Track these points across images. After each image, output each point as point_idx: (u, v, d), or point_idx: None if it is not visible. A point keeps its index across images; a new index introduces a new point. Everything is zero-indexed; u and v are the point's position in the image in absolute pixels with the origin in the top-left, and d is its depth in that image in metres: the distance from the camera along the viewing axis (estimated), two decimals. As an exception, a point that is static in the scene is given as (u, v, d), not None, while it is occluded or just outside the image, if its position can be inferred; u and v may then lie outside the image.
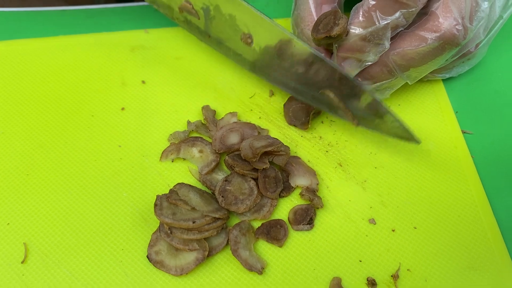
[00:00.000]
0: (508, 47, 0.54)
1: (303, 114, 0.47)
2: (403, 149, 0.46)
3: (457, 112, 0.49)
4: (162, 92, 0.50)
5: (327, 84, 0.43)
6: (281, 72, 0.46)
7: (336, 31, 0.41)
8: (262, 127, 0.47)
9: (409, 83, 0.45)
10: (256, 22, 0.44)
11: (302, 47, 0.43)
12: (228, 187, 0.42)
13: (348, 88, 0.43)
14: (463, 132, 0.47)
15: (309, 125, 0.47)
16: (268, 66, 0.47)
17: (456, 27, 0.40)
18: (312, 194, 0.42)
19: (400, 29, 0.42)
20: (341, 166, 0.45)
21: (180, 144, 0.46)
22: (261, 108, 0.49)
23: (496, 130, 0.48)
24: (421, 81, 0.50)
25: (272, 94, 0.50)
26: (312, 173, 0.44)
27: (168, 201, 0.39)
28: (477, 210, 0.42)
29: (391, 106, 0.49)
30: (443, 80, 0.51)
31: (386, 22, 0.40)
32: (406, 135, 0.43)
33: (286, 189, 0.43)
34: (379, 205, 0.43)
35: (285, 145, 0.43)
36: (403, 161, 0.45)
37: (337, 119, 0.48)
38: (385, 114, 0.42)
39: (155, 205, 0.39)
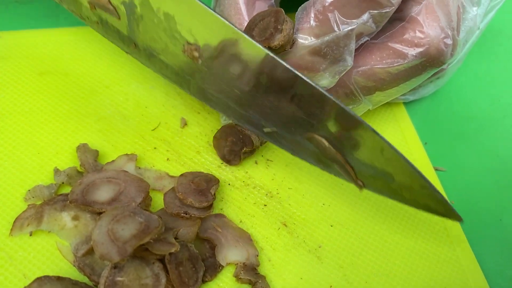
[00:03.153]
0: (476, 61, 0.45)
1: (245, 143, 0.33)
2: (365, 196, 0.34)
3: (426, 143, 0.38)
4: (16, 125, 0.33)
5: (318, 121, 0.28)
6: (244, 101, 0.30)
7: (278, 40, 0.28)
8: (169, 174, 0.33)
9: (370, 109, 0.34)
10: (206, 26, 0.28)
11: (283, 67, 0.27)
12: (119, 278, 0.27)
13: (343, 123, 0.27)
14: (436, 169, 0.37)
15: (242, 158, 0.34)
16: (220, 91, 0.30)
17: (445, 40, 0.29)
18: (253, 274, 0.28)
19: (365, 39, 0.30)
20: (285, 226, 0.32)
21: (42, 207, 0.29)
22: (169, 145, 0.35)
23: (470, 163, 0.38)
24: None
25: (185, 123, 0.36)
26: (247, 239, 0.30)
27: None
28: (466, 277, 0.32)
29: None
30: (404, 103, 0.40)
31: (349, 28, 0.28)
32: (442, 209, 0.28)
33: (211, 268, 0.29)
34: (342, 281, 0.30)
35: (196, 209, 0.30)
36: (368, 214, 0.33)
37: (274, 158, 0.35)
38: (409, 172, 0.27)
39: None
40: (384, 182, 0.28)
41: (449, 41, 0.29)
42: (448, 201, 0.27)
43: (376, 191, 0.29)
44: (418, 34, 0.29)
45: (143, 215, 0.27)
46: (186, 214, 0.29)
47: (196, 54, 0.29)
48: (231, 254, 0.29)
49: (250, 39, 0.27)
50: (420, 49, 0.29)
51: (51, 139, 0.33)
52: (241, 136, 0.33)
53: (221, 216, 0.31)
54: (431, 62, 0.30)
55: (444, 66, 0.32)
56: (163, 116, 0.36)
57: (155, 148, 0.34)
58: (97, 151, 0.32)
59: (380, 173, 0.28)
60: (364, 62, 0.31)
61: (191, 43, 0.29)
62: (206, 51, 0.28)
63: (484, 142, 0.40)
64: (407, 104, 0.40)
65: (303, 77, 0.26)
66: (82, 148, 0.32)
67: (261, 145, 0.34)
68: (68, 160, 0.32)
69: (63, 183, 0.31)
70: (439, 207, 0.28)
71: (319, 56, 0.29)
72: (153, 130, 0.35)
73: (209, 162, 0.34)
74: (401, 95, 0.38)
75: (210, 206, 0.30)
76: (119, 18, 0.31)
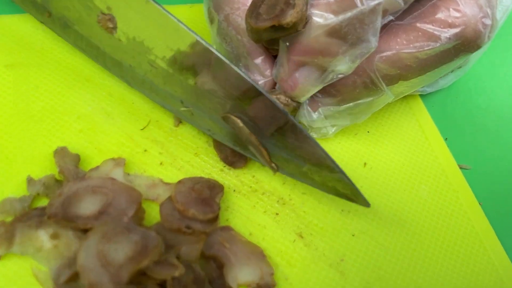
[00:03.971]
0: (492, 51, 0.42)
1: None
2: (387, 198, 0.30)
3: (446, 139, 0.35)
4: (-20, 124, 0.28)
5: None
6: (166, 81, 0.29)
7: (291, 17, 0.24)
8: (164, 180, 0.28)
9: (390, 102, 0.30)
10: None
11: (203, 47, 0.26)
12: (111, 309, 0.22)
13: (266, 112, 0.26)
14: (460, 168, 0.33)
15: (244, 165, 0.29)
16: (139, 67, 0.29)
17: (483, 20, 0.25)
18: (270, 299, 0.24)
19: (389, 18, 0.26)
20: (301, 237, 0.28)
21: (14, 224, 0.24)
22: (162, 146, 0.30)
23: (495, 158, 0.35)
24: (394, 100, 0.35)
25: (179, 121, 0.31)
26: (260, 255, 0.26)
27: None
28: (504, 285, 0.28)
29: (357, 133, 0.33)
30: (420, 95, 0.37)
31: (376, 2, 0.24)
32: (349, 193, 0.27)
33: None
34: (369, 299, 0.26)
35: (200, 222, 0.25)
36: (392, 219, 0.29)
37: (284, 158, 0.31)
38: (321, 159, 0.26)
39: None
40: (297, 165, 0.28)
41: (488, 21, 0.26)
42: (357, 189, 0.26)
43: (288, 174, 0.28)
44: (453, 12, 0.25)
45: (138, 232, 0.23)
46: (188, 228, 0.25)
47: (110, 24, 0.28)
48: (243, 274, 0.25)
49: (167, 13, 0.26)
50: (455, 30, 0.26)
51: (22, 142, 0.28)
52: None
53: (228, 229, 0.27)
54: (467, 45, 0.26)
55: (480, 45, 0.28)
56: (153, 113, 0.31)
57: (145, 150, 0.29)
58: (78, 155, 0.27)
59: (292, 156, 0.27)
60: (388, 46, 0.27)
61: (104, 13, 0.27)
62: (123, 22, 0.27)
63: (506, 136, 0.36)
64: (423, 96, 0.36)
65: (221, 57, 0.26)
66: (61, 152, 0.27)
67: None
68: (44, 167, 0.27)
69: (38, 194, 0.26)
70: (347, 191, 0.27)
71: (338, 37, 0.25)
72: (143, 129, 0.30)
73: (210, 165, 0.30)
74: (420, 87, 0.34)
75: (216, 218, 0.26)
76: None
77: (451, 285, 0.28)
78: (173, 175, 0.29)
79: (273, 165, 0.27)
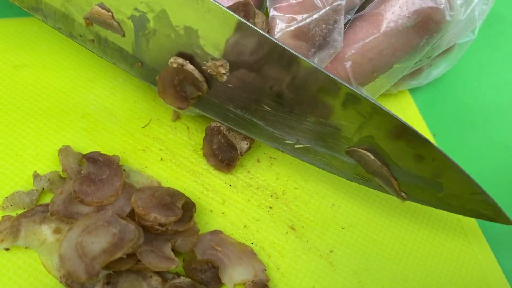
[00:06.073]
0: (478, 49, 0.43)
1: (231, 149, 0.30)
2: (376, 195, 0.32)
3: (434, 135, 0.36)
4: (-10, 123, 0.30)
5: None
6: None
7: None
8: (160, 181, 0.29)
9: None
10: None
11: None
12: (112, 296, 0.24)
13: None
14: (448, 164, 0.34)
15: (234, 166, 0.30)
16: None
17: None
18: (263, 291, 0.26)
19: (347, 18, 0.28)
20: (293, 230, 0.29)
21: (19, 219, 0.26)
22: (162, 144, 0.31)
23: (481, 155, 0.36)
24: (386, 95, 0.36)
25: (177, 117, 0.33)
26: (250, 254, 0.27)
27: None
28: (486, 278, 0.30)
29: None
30: (410, 91, 0.38)
31: (338, 3, 0.25)
32: (491, 213, 0.27)
33: (213, 282, 0.26)
34: (357, 289, 0.28)
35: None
36: (380, 214, 0.31)
37: (278, 156, 0.32)
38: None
39: None
40: (432, 192, 0.26)
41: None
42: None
43: (420, 201, 0.27)
44: None
45: (118, 225, 0.24)
46: (161, 226, 0.25)
47: (221, 70, 0.25)
48: (237, 274, 0.26)
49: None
50: (414, 8, 0.27)
51: (29, 139, 0.30)
52: (223, 142, 0.30)
53: (217, 232, 0.28)
54: (427, 24, 0.27)
55: (443, 26, 0.28)
56: (154, 111, 0.33)
57: (146, 147, 0.31)
58: (81, 154, 0.29)
59: (429, 183, 0.26)
60: (355, 39, 0.27)
61: (215, 58, 0.25)
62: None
63: (493, 132, 0.38)
64: (412, 93, 0.38)
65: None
66: (64, 151, 0.28)
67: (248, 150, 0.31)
68: (50, 163, 0.29)
69: (43, 189, 0.27)
70: (489, 211, 0.26)
71: (305, 39, 0.26)
72: (144, 127, 0.32)
73: (208, 161, 0.31)
74: (414, 80, 0.35)
75: (189, 219, 0.26)
76: (124, 35, 0.27)
77: (435, 276, 0.29)
78: (172, 171, 0.30)
79: (402, 194, 0.27)
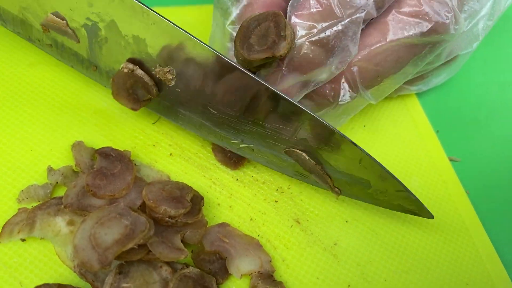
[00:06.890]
0: (484, 48, 0.43)
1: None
2: (380, 189, 0.32)
3: (438, 131, 0.37)
4: (6, 120, 0.31)
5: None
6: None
7: (283, 49, 0.26)
8: (169, 175, 0.30)
9: (373, 103, 0.31)
10: (183, 49, 0.27)
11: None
12: (124, 284, 0.25)
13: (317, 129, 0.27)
14: (450, 160, 0.35)
15: (241, 164, 0.31)
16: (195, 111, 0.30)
17: (445, 12, 0.27)
18: (271, 282, 0.26)
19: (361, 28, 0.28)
20: (298, 223, 0.30)
21: (34, 212, 0.27)
22: (172, 139, 0.32)
23: (484, 151, 0.37)
24: (390, 97, 0.37)
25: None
26: (256, 245, 0.28)
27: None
28: (486, 269, 0.30)
29: (353, 128, 0.36)
30: (416, 94, 0.39)
31: (358, 16, 0.26)
32: (415, 208, 0.29)
33: (221, 273, 0.27)
34: (360, 280, 0.29)
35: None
36: (382, 209, 0.32)
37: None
38: (382, 176, 0.28)
39: None
40: (361, 189, 0.29)
41: (449, 13, 0.27)
42: (419, 200, 0.28)
43: (352, 196, 0.30)
44: (417, 5, 0.28)
45: (130, 217, 0.25)
46: (171, 218, 0.26)
47: (169, 76, 0.28)
48: (244, 264, 0.27)
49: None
50: (420, 20, 0.28)
51: (44, 134, 0.31)
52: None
53: (224, 225, 0.29)
54: (431, 34, 0.28)
55: (447, 38, 0.29)
56: (163, 108, 0.34)
57: (156, 142, 0.32)
58: (93, 149, 0.30)
59: (357, 181, 0.28)
60: (362, 46, 0.28)
61: (162, 68, 0.28)
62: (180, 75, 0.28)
63: (496, 129, 0.38)
64: (418, 94, 0.38)
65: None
66: (77, 147, 0.29)
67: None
68: (63, 158, 0.30)
69: (57, 182, 0.29)
70: (412, 206, 0.29)
71: (325, 49, 0.27)
72: (154, 123, 0.33)
73: (215, 156, 0.32)
74: (414, 86, 0.36)
75: (198, 211, 0.27)
76: (78, 42, 0.29)
77: (437, 269, 0.30)
78: (181, 165, 0.31)
79: (336, 189, 0.29)
